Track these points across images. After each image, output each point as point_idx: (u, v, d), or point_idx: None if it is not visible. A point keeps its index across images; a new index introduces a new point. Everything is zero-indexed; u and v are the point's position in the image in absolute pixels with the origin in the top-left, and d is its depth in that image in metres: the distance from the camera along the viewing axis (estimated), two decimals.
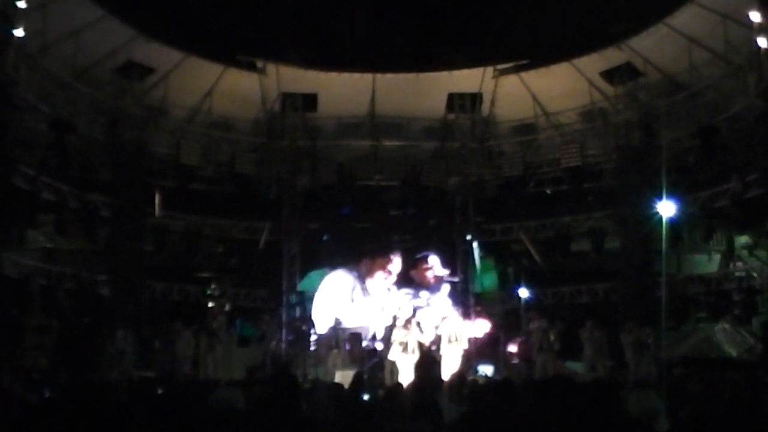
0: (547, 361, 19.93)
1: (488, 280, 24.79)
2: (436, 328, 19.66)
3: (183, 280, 23.00)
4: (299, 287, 23.44)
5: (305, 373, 19.06)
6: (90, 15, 19.56)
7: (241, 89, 23.10)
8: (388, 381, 17.72)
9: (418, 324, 19.07)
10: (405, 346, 18.81)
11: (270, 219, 23.71)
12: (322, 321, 22.13)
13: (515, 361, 21.10)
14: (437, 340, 19.31)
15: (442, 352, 18.87)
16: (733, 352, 19.83)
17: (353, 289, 23.49)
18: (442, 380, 8.02)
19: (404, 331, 18.74)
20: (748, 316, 19.70)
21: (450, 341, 19.09)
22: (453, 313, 20.01)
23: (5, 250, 18.40)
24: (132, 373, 18.46)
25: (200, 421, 4.49)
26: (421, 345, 18.79)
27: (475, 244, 23.58)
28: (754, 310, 19.60)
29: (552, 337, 20.32)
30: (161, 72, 21.86)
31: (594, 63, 21.90)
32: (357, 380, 11.74)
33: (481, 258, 24.17)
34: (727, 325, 20.15)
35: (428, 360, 5.96)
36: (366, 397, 9.98)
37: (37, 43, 18.64)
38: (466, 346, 19.41)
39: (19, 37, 16.94)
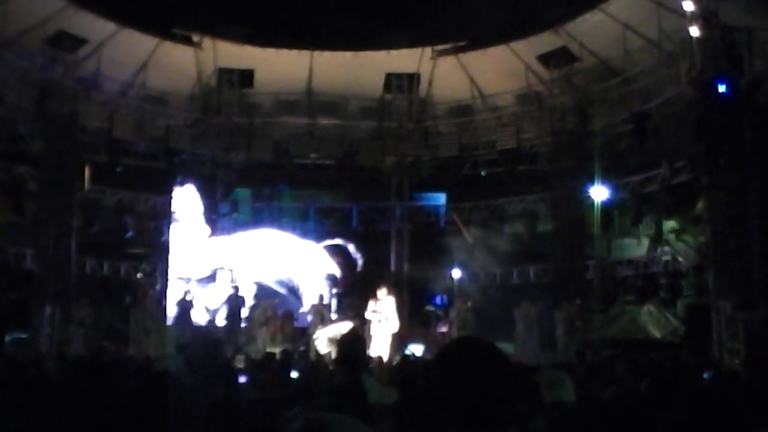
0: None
1: None
2: (365, 308, 19.94)
3: (114, 256, 22.63)
4: None
5: (238, 350, 19.00)
6: None
7: (176, 63, 22.64)
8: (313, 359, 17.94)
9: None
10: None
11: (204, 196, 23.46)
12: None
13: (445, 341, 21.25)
14: (366, 320, 19.59)
15: (371, 331, 19.04)
16: (658, 334, 20.21)
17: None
18: (367, 358, 8.00)
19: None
20: (673, 299, 20.12)
21: (379, 321, 19.26)
22: (382, 293, 19.96)
23: None
24: (62, 349, 17.81)
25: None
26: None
27: None
28: (679, 293, 20.02)
29: (469, 317, 20.60)
30: (94, 43, 21.23)
31: (531, 46, 21.98)
32: (285, 357, 11.76)
33: None
34: (653, 308, 20.54)
35: (352, 338, 6.03)
36: (295, 374, 10.05)
37: None
38: (396, 326, 19.53)
39: None
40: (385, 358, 16.22)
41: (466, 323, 20.59)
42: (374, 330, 19.34)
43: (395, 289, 21.37)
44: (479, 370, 2.66)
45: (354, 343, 5.91)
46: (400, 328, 19.95)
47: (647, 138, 20.02)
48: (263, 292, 22.58)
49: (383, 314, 19.46)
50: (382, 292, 19.94)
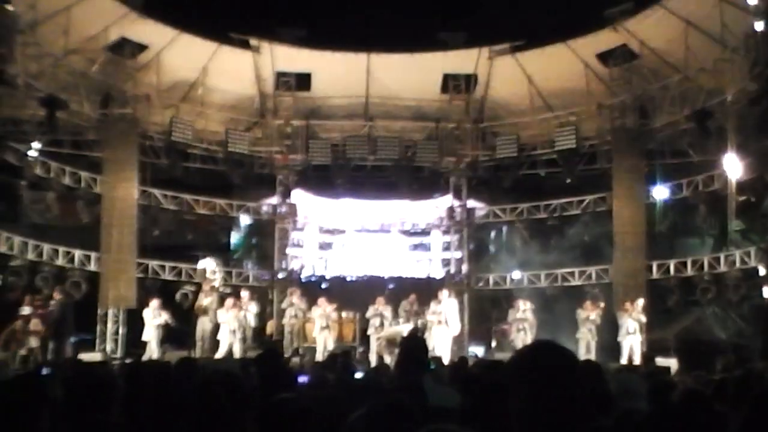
0: (525, 340, 19.62)
1: None
2: (426, 310, 20.02)
3: (175, 259, 22.85)
4: None
5: (294, 351, 19.34)
6: None
7: (234, 68, 22.86)
8: (373, 360, 18.39)
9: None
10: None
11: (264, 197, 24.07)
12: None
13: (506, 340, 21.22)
14: (426, 322, 19.71)
15: (431, 333, 19.06)
16: (723, 335, 19.82)
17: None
18: (428, 360, 7.96)
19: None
20: (739, 299, 19.72)
21: (439, 323, 19.28)
22: (444, 295, 19.99)
23: None
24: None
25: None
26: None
27: None
28: (745, 294, 19.58)
29: (527, 315, 20.41)
30: (155, 49, 21.57)
31: (590, 45, 21.68)
32: (346, 358, 11.81)
33: None
34: (718, 309, 20.15)
35: (414, 339, 6.04)
36: (359, 375, 9.96)
37: (29, 18, 18.37)
38: (458, 328, 19.54)
39: (10, 12, 16.79)
40: (446, 360, 16.16)
41: (527, 325, 20.38)
42: (435, 332, 19.33)
43: (456, 291, 21.21)
44: (553, 375, 2.62)
45: (415, 345, 5.88)
46: (461, 330, 19.78)
47: (710, 135, 19.66)
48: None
49: (444, 316, 19.41)
50: (443, 294, 19.91)
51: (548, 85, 23.09)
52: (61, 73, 20.26)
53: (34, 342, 16.99)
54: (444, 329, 19.38)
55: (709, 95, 19.75)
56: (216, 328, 19.60)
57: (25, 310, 17.53)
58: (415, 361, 5.61)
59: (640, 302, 19.53)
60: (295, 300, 20.72)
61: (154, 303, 19.54)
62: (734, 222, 20.07)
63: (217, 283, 20.60)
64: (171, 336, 19.81)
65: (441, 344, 19.18)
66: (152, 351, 18.89)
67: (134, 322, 20.62)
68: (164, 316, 19.39)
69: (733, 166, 19.02)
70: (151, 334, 19.12)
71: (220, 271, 21.75)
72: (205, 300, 19.88)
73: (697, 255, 21.41)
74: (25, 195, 20.38)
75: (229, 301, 19.72)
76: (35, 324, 17.44)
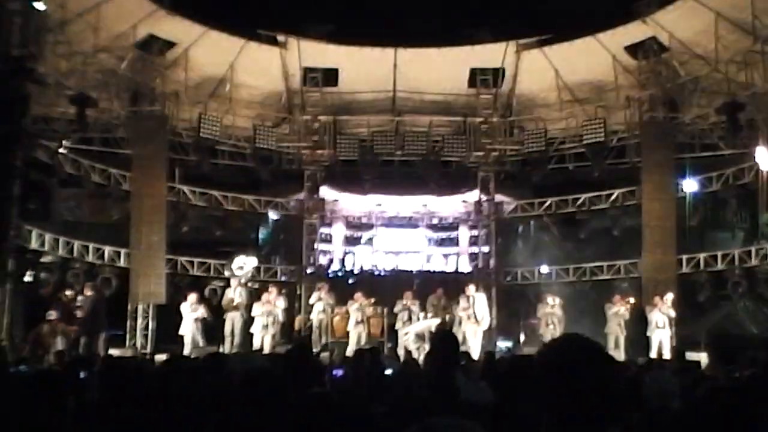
0: (554, 334, 19.26)
1: None
2: (454, 304, 20.13)
3: (204, 255, 23.06)
4: None
5: (324, 347, 19.40)
6: None
7: (262, 64, 22.88)
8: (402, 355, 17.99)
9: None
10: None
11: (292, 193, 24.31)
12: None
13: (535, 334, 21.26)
14: (454, 317, 19.85)
15: (462, 328, 19.12)
16: (755, 329, 19.63)
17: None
18: (459, 356, 7.95)
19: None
20: None
21: (469, 318, 19.34)
22: (472, 290, 20.03)
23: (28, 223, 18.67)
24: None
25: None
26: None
27: None
28: None
29: (556, 310, 20.40)
30: (182, 46, 21.68)
31: (618, 37, 21.42)
32: (375, 354, 11.80)
33: None
34: (749, 303, 19.95)
35: (444, 335, 6.03)
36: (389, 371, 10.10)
37: (59, 16, 18.45)
38: (488, 323, 19.64)
39: (40, 11, 16.89)
40: (476, 355, 16.25)
41: (556, 320, 20.36)
42: (464, 327, 19.38)
43: (483, 285, 21.28)
44: (583, 369, 2.62)
45: (446, 340, 5.84)
46: (490, 324, 19.84)
47: (740, 128, 19.44)
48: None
49: (473, 311, 19.45)
50: (471, 289, 19.97)
51: (576, 78, 22.93)
52: (91, 71, 20.25)
53: (61, 344, 17.02)
54: (474, 324, 19.40)
55: (740, 87, 19.49)
56: (246, 323, 19.79)
57: (52, 315, 17.61)
58: (446, 356, 5.58)
59: (670, 296, 19.42)
60: (323, 295, 20.81)
61: (192, 297, 19.77)
62: (765, 215, 20.02)
63: (243, 279, 20.61)
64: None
65: (471, 339, 19.23)
66: (189, 344, 19.05)
67: (163, 318, 21.07)
68: (201, 311, 19.66)
69: (763, 159, 18.86)
70: (188, 328, 19.35)
71: (249, 266, 21.71)
72: (234, 294, 20.03)
73: (728, 249, 21.25)
74: (57, 192, 20.70)
75: (265, 296, 20.01)
76: (62, 328, 17.54)
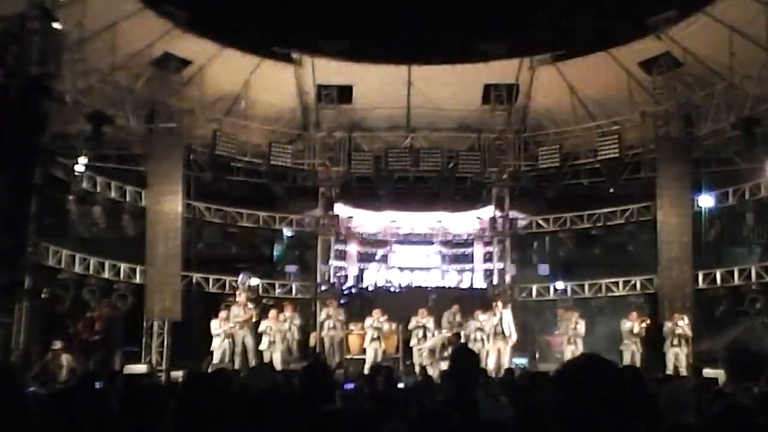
0: (575, 352, 19.39)
1: None
2: (468, 321, 20.17)
3: (219, 271, 23.00)
4: None
5: (338, 365, 19.34)
6: (128, 7, 19.54)
7: (276, 81, 23.06)
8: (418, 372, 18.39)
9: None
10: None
11: (307, 209, 24.31)
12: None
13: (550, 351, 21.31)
14: (469, 333, 19.79)
15: (476, 344, 19.00)
16: None
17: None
18: (479, 372, 7.92)
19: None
20: None
21: (497, 333, 19.39)
22: (500, 305, 20.01)
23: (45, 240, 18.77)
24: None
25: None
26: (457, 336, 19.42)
27: None
28: None
29: (579, 328, 20.14)
30: (198, 64, 21.81)
31: (632, 53, 21.44)
32: (389, 371, 11.78)
33: None
34: (766, 319, 19.79)
35: (465, 350, 5.99)
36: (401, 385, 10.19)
37: (76, 35, 18.55)
38: (514, 339, 19.65)
39: (58, 30, 16.99)
40: (496, 372, 16.65)
41: (577, 337, 20.15)
42: (482, 343, 19.42)
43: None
44: (599, 388, 2.67)
45: (467, 356, 5.82)
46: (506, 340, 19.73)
47: (756, 143, 19.41)
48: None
49: (501, 326, 19.48)
50: (499, 304, 19.97)
51: (591, 94, 22.97)
52: (108, 88, 20.51)
53: (65, 374, 16.85)
54: (500, 340, 19.47)
55: (756, 102, 19.46)
56: (255, 340, 19.81)
57: (57, 344, 17.51)
58: (466, 372, 5.55)
59: (686, 313, 19.37)
60: (332, 312, 20.70)
61: (222, 314, 19.66)
62: None
63: (241, 298, 20.32)
64: None
65: (493, 355, 19.34)
66: (217, 360, 18.99)
67: (179, 334, 21.02)
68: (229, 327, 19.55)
69: None
70: (218, 345, 19.31)
71: (245, 285, 21.35)
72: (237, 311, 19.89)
73: (745, 264, 21.05)
74: (73, 209, 20.43)
75: (273, 312, 20.03)
76: (67, 358, 17.40)
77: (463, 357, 5.79)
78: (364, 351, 20.22)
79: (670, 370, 18.44)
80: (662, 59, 21.11)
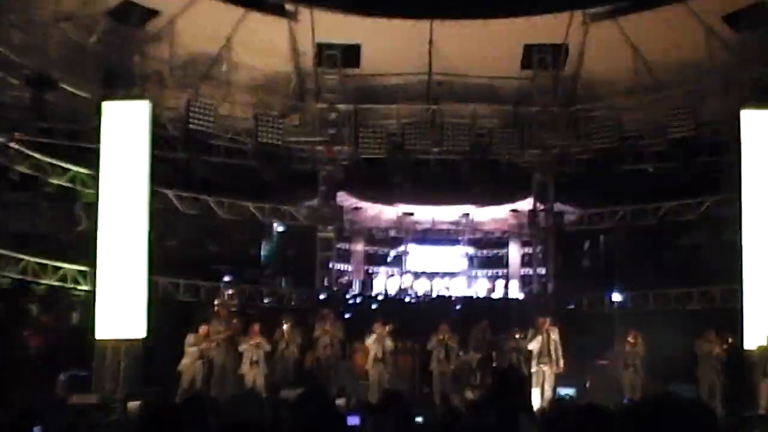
0: (635, 381, 17.92)
1: None
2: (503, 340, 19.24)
3: (193, 275, 21.53)
4: None
5: (341, 390, 17.63)
6: None
7: (266, 39, 21.39)
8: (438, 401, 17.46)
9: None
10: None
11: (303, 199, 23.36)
12: None
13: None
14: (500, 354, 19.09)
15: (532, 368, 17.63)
16: None
17: None
18: (526, 397, 8.25)
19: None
20: None
21: (542, 355, 17.63)
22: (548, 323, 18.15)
23: None
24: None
25: None
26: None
27: None
28: None
29: (638, 352, 18.17)
30: (167, 16, 20.10)
31: (714, 4, 19.56)
32: (401, 400, 10.06)
33: None
34: None
35: (511, 374, 6.70)
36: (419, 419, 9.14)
37: None
38: (561, 366, 17.88)
39: None
40: (541, 401, 16.19)
41: (638, 361, 18.08)
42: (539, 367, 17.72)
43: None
44: None
45: (509, 377, 6.37)
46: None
47: None
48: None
49: (548, 349, 17.55)
50: (547, 322, 17.94)
51: (659, 57, 21.03)
52: (52, 45, 19.07)
53: None
54: (545, 366, 17.56)
55: None
56: (235, 360, 18.21)
57: None
58: (512, 396, 5.69)
59: None
60: (328, 326, 18.95)
61: (203, 329, 18.14)
62: None
63: (221, 309, 19.76)
64: None
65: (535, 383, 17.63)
66: (185, 386, 17.65)
67: (141, 354, 18.81)
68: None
69: None
70: (189, 367, 17.83)
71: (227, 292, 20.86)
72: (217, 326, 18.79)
73: None
74: (6, 197, 19.48)
75: (254, 327, 18.25)
76: None
77: (511, 378, 6.32)
78: (367, 374, 18.74)
79: (763, 409, 16.47)
80: (752, 11, 19.07)
